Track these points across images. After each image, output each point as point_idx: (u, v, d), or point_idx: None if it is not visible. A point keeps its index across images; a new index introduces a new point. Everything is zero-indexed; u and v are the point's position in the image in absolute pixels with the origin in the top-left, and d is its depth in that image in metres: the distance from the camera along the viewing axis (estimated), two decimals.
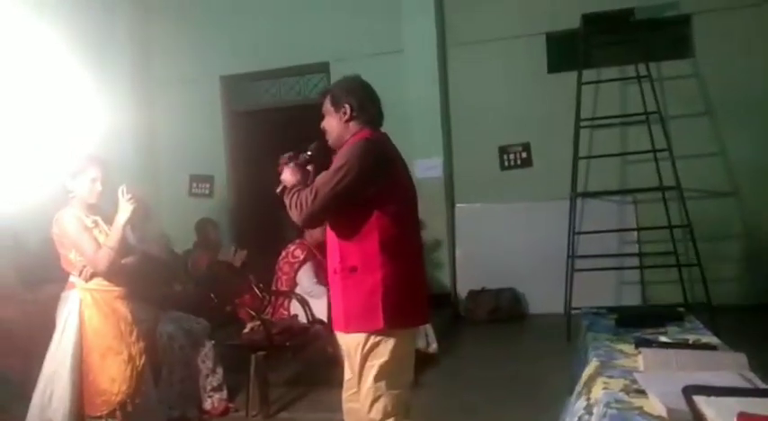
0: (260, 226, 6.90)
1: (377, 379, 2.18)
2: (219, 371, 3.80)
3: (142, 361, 2.93)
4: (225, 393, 3.80)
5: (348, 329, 2.23)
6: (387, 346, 2.18)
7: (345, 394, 2.41)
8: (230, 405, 3.80)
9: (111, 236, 2.84)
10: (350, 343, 2.24)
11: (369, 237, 2.18)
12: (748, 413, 1.44)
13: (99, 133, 5.52)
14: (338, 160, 2.22)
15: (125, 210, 2.81)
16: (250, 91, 7.38)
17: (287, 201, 2.26)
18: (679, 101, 5.85)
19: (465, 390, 3.94)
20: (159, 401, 3.26)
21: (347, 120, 2.31)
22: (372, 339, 2.18)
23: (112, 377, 2.80)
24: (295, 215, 2.23)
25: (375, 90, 2.41)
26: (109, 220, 2.89)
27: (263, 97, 7.34)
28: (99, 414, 2.78)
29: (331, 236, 2.30)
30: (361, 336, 2.20)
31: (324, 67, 6.85)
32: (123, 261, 2.93)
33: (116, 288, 2.91)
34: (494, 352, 5.02)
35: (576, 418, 1.86)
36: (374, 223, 2.18)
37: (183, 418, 3.58)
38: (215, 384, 3.76)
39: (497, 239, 6.18)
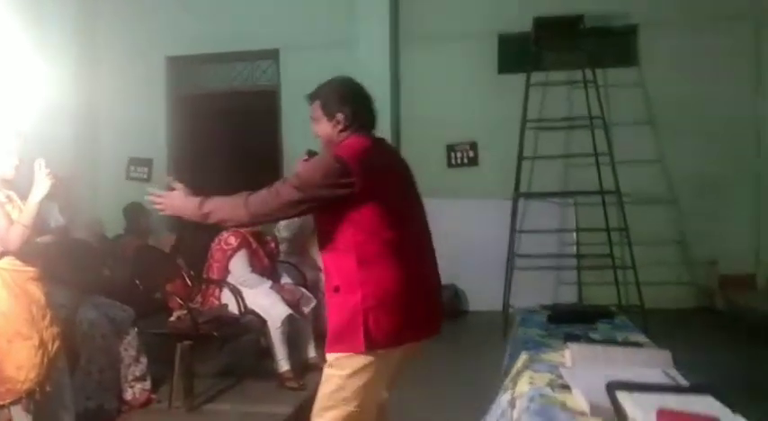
0: None
1: (335, 390, 2.04)
2: (143, 360, 3.62)
3: (55, 347, 2.75)
4: (148, 383, 3.62)
5: (329, 350, 2.09)
6: (352, 361, 2.02)
7: None
8: (153, 396, 3.63)
9: (24, 212, 2.64)
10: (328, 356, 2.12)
11: (346, 254, 2.04)
12: (668, 409, 1.43)
13: (35, 107, 5.22)
14: (301, 168, 2.10)
15: (42, 185, 2.63)
16: (197, 74, 7.14)
17: None
18: (622, 108, 5.98)
19: (401, 386, 3.88)
20: (76, 391, 3.09)
21: (341, 131, 2.16)
22: (344, 355, 2.04)
23: (19, 364, 2.60)
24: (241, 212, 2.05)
25: (366, 91, 2.23)
26: (27, 198, 2.69)
27: (210, 81, 7.11)
28: (2, 402, 2.59)
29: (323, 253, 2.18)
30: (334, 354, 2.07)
31: (273, 55, 6.71)
32: (39, 239, 2.75)
33: (30, 268, 2.71)
34: (432, 347, 4.96)
35: (500, 412, 1.82)
36: (350, 240, 2.04)
37: (101, 409, 3.38)
38: (138, 374, 3.58)
39: (440, 236, 5.94)
